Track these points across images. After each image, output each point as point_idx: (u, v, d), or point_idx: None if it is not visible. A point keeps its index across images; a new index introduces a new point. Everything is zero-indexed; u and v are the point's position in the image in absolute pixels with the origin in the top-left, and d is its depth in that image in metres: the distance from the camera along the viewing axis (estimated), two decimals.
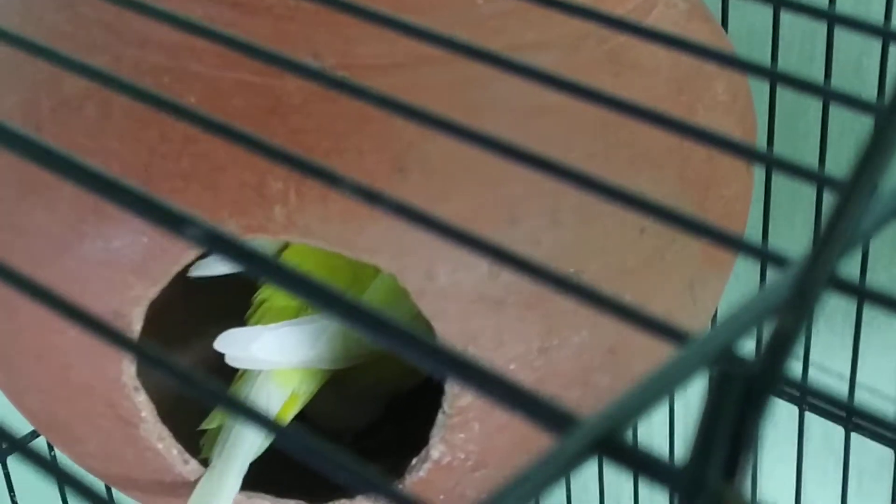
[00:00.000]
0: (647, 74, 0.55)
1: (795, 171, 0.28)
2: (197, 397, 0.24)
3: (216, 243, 0.25)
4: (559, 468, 0.20)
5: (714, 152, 0.56)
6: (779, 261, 0.24)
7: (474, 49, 0.34)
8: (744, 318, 0.22)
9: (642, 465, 0.20)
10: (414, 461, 0.56)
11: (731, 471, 0.20)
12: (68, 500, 0.83)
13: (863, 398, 0.85)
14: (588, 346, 0.53)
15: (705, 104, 0.57)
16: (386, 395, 0.71)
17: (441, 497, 0.56)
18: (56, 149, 0.26)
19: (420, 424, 0.57)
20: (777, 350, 0.20)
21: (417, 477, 0.56)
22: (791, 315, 0.20)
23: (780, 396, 0.78)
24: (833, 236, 0.20)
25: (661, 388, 0.21)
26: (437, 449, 0.55)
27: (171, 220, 0.24)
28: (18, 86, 0.54)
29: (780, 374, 0.20)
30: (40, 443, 0.76)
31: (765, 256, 0.24)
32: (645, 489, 0.96)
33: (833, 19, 0.35)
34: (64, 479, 0.24)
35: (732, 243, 0.25)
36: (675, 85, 0.56)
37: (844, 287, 0.22)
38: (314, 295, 0.24)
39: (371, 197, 0.26)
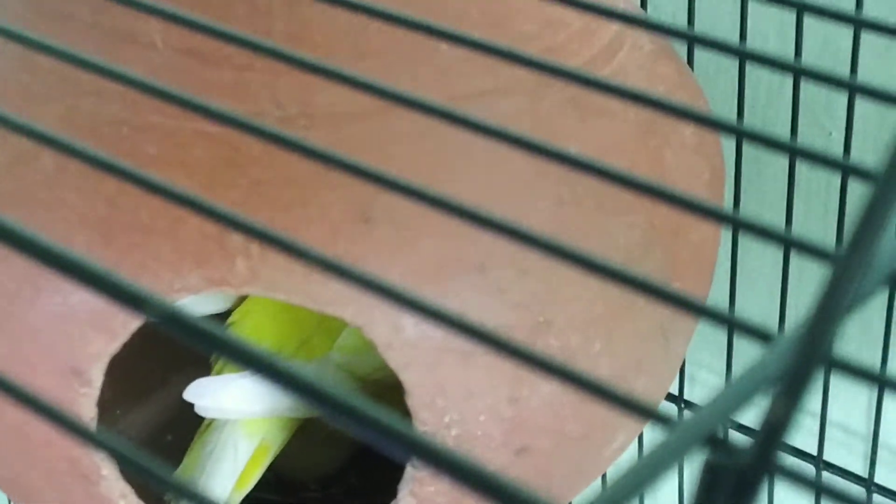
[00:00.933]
0: (614, 119, 0.54)
1: (762, 232, 0.28)
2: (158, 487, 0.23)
3: (176, 323, 0.23)
4: None
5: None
6: (763, 335, 0.23)
7: (418, 102, 0.33)
8: (732, 400, 0.21)
9: None
10: None
11: None
12: None
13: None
14: (558, 394, 0.52)
15: (673, 147, 0.56)
16: (351, 440, 0.70)
17: None
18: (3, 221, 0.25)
19: (388, 471, 0.56)
20: (769, 438, 0.19)
21: None
22: (784, 401, 0.19)
23: None
24: (829, 314, 0.19)
25: (646, 476, 0.20)
26: (405, 502, 0.53)
27: (130, 299, 0.23)
28: None
29: (772, 463, 0.19)
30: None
31: (749, 331, 0.23)
32: None
33: (799, 72, 0.34)
34: None
35: (716, 317, 0.24)
36: (643, 128, 0.55)
37: (840, 366, 0.21)
38: (276, 376, 0.23)
39: (338, 270, 0.25)
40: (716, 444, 0.21)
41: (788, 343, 0.22)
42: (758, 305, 0.80)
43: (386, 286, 0.27)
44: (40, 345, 0.51)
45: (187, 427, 0.68)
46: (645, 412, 0.24)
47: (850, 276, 0.19)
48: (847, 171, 0.29)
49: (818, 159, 0.30)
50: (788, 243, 0.28)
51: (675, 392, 0.80)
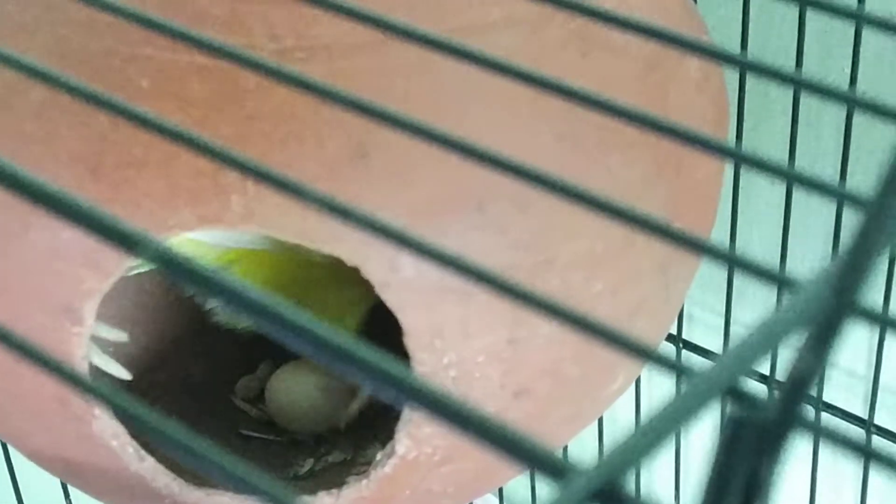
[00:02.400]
0: (616, 54, 0.53)
1: (765, 168, 0.27)
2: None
3: (169, 263, 0.23)
4: None
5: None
6: (787, 283, 0.22)
7: (416, 34, 0.32)
8: (753, 351, 0.20)
9: None
10: (379, 456, 0.54)
11: None
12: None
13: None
14: (557, 336, 0.51)
15: (677, 83, 0.55)
16: (351, 393, 0.69)
17: (407, 492, 0.55)
18: None
19: (385, 414, 0.56)
20: (795, 391, 0.18)
21: (382, 473, 0.54)
22: (812, 353, 0.18)
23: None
24: (860, 262, 0.18)
25: (664, 430, 0.19)
26: (402, 444, 0.53)
27: (123, 239, 0.22)
28: None
29: (797, 419, 0.18)
30: None
31: (777, 280, 0.22)
32: None
33: (804, 3, 0.33)
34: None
35: (717, 255, 0.23)
36: (646, 63, 0.54)
37: (867, 316, 0.20)
38: (269, 317, 0.22)
39: (339, 211, 0.24)
40: (737, 396, 0.20)
41: (813, 290, 0.21)
42: (760, 245, 0.80)
43: (382, 225, 0.26)
44: (31, 282, 0.50)
45: (180, 364, 0.68)
46: (652, 357, 0.23)
47: (883, 223, 0.18)
48: (852, 104, 0.29)
49: (822, 92, 0.29)
50: (792, 179, 0.27)
51: (674, 332, 0.79)
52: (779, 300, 0.75)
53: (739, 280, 0.78)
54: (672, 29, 0.33)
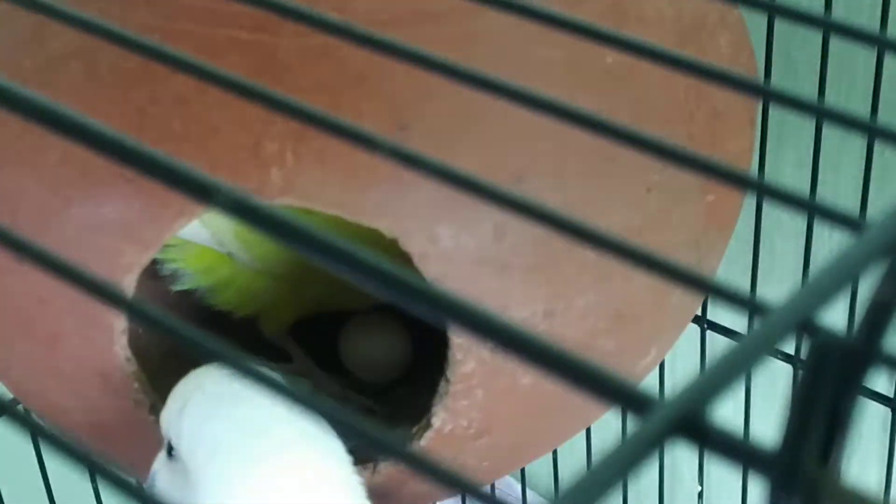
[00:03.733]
0: (651, 27, 0.53)
1: (799, 105, 0.27)
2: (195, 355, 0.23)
3: (245, 211, 0.23)
4: (639, 453, 0.18)
5: (719, 109, 0.55)
6: (852, 223, 0.22)
7: None
8: (827, 285, 0.21)
9: (730, 449, 0.19)
10: (414, 429, 0.54)
11: (827, 454, 0.19)
12: (47, 469, 0.82)
13: None
14: (594, 309, 0.52)
15: (709, 57, 0.55)
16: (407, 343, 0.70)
17: None
18: (67, 111, 0.24)
19: (422, 391, 0.56)
20: (877, 321, 0.18)
21: (418, 446, 0.54)
22: (890, 284, 0.18)
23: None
24: None
25: (741, 363, 0.20)
26: (438, 417, 0.53)
27: (199, 189, 0.23)
28: None
29: (879, 350, 0.19)
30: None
31: (836, 217, 0.22)
32: (713, 466, 0.94)
33: None
34: (53, 442, 0.23)
35: (799, 203, 0.23)
36: (679, 38, 0.54)
37: None
38: (341, 259, 0.22)
39: (410, 160, 0.24)
40: (813, 330, 0.20)
41: (881, 230, 0.21)
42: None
43: (453, 173, 0.26)
44: (73, 256, 0.50)
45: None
46: (721, 292, 0.23)
47: None
48: (882, 46, 0.29)
49: (852, 34, 0.29)
50: (822, 113, 0.27)
51: (699, 313, 0.80)
52: (804, 275, 0.75)
53: (765, 260, 0.78)
54: None
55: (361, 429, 0.21)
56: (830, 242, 0.79)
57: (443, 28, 0.49)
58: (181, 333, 0.22)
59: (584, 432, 0.79)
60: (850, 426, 0.19)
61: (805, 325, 0.20)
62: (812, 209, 0.24)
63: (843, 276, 0.21)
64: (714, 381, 0.20)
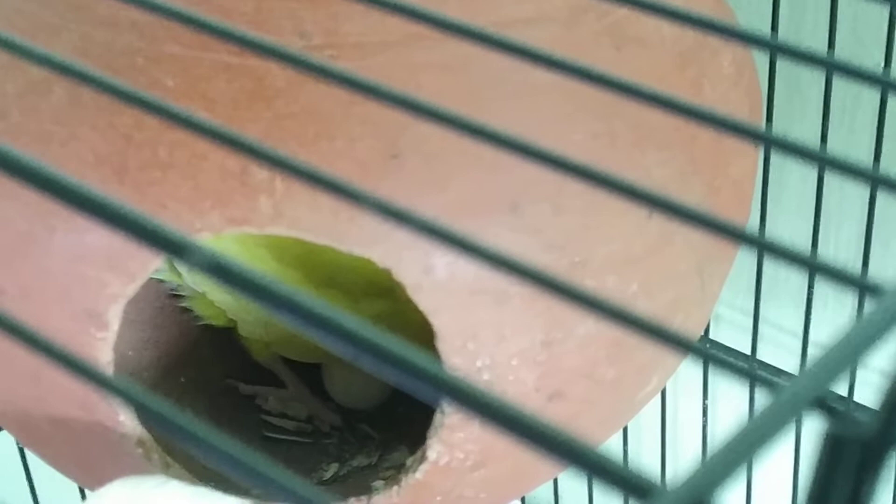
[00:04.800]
0: (651, 49, 0.52)
1: (796, 151, 0.26)
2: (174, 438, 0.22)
3: (221, 271, 0.22)
4: None
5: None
6: (869, 288, 0.21)
7: (464, 28, 0.31)
8: (839, 360, 0.19)
9: None
10: (409, 462, 0.53)
11: None
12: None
13: None
14: (593, 337, 0.50)
15: (711, 78, 0.54)
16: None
17: (438, 499, 0.54)
18: (35, 163, 0.23)
19: (416, 420, 0.55)
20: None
21: (413, 479, 0.53)
22: None
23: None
24: None
25: (751, 445, 0.18)
26: (434, 450, 0.52)
27: (173, 247, 0.21)
28: None
29: None
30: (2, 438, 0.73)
31: (859, 286, 0.21)
32: None
33: None
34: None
35: (822, 268, 0.22)
36: (680, 59, 0.53)
37: None
38: (319, 323, 0.21)
39: (399, 216, 0.23)
40: (826, 409, 0.19)
41: None
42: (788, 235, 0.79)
43: (418, 220, 0.25)
44: (55, 287, 0.49)
45: (200, 367, 0.67)
46: (733, 367, 0.22)
47: None
48: (886, 87, 0.28)
49: (855, 74, 0.28)
50: (825, 163, 0.26)
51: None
52: (809, 298, 0.74)
53: (768, 279, 0.77)
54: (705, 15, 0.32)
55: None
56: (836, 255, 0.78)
57: (435, 51, 0.47)
58: (162, 414, 0.21)
59: None
60: None
61: (822, 404, 0.19)
62: (812, 267, 0.23)
63: (862, 346, 0.20)
64: (721, 465, 0.18)
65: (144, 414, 0.21)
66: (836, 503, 0.17)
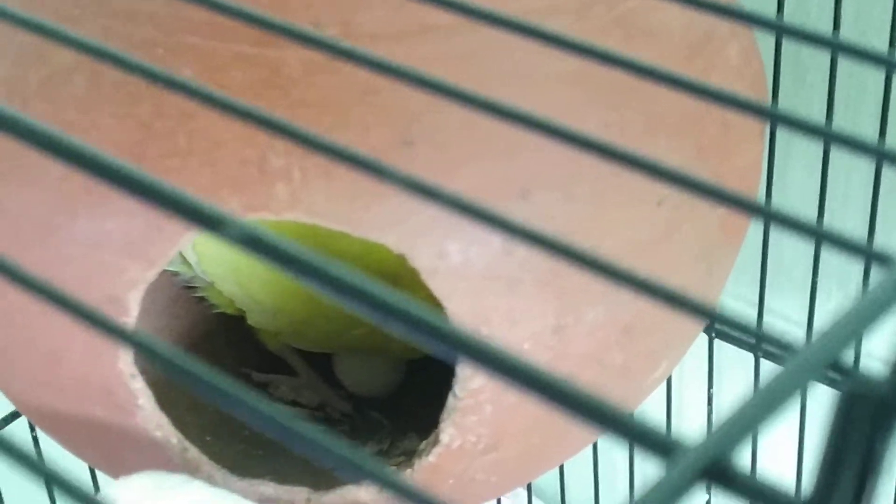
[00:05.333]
0: (659, 40, 0.53)
1: (800, 126, 0.26)
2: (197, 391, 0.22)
3: (255, 244, 0.22)
4: (667, 498, 0.18)
5: (729, 120, 0.54)
6: (877, 257, 0.22)
7: (484, 13, 0.32)
8: (851, 326, 0.20)
9: (760, 495, 0.18)
10: (422, 445, 0.54)
11: (859, 501, 0.18)
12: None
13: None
14: (603, 323, 0.51)
15: (718, 69, 0.54)
16: (402, 358, 0.70)
17: (451, 482, 0.54)
18: (72, 140, 0.24)
19: (429, 405, 0.55)
20: None
21: (426, 462, 0.53)
22: None
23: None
24: None
25: (769, 406, 0.19)
26: (446, 433, 0.52)
27: (207, 220, 0.22)
28: (3, 59, 0.51)
29: None
30: (16, 426, 0.74)
31: (867, 254, 0.21)
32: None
33: None
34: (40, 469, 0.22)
35: (835, 240, 0.23)
36: (688, 50, 0.53)
37: None
38: (353, 294, 0.21)
39: (426, 191, 0.24)
40: (841, 371, 0.19)
41: None
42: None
43: (442, 194, 0.25)
44: (76, 273, 0.50)
45: (214, 355, 0.68)
46: (742, 327, 0.23)
47: None
48: (891, 67, 0.28)
49: (859, 54, 0.29)
50: (830, 138, 0.26)
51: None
52: (813, 288, 0.74)
53: (773, 270, 0.77)
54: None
55: (347, 458, 0.20)
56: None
57: (449, 42, 0.48)
58: (181, 366, 0.21)
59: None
60: (881, 472, 0.18)
61: (835, 366, 0.20)
62: (820, 236, 0.23)
63: (874, 313, 0.20)
64: (737, 426, 0.19)
65: (164, 365, 0.22)
66: (850, 461, 0.18)
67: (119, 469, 0.57)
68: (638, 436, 0.19)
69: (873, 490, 0.18)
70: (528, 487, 0.94)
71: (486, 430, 0.52)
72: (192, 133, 0.48)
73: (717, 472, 0.18)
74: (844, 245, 0.23)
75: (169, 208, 0.23)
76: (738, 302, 0.84)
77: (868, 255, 0.23)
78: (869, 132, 0.73)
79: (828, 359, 0.20)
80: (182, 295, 0.67)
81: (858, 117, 0.76)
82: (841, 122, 0.73)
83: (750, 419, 0.19)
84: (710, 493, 0.91)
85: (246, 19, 0.32)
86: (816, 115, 0.71)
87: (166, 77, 0.29)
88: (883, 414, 0.18)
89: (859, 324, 0.20)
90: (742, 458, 0.85)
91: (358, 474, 0.19)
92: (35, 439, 0.78)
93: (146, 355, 0.23)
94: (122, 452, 0.55)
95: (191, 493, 0.50)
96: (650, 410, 0.90)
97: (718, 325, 0.80)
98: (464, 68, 0.48)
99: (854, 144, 0.26)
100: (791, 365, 0.20)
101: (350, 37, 0.48)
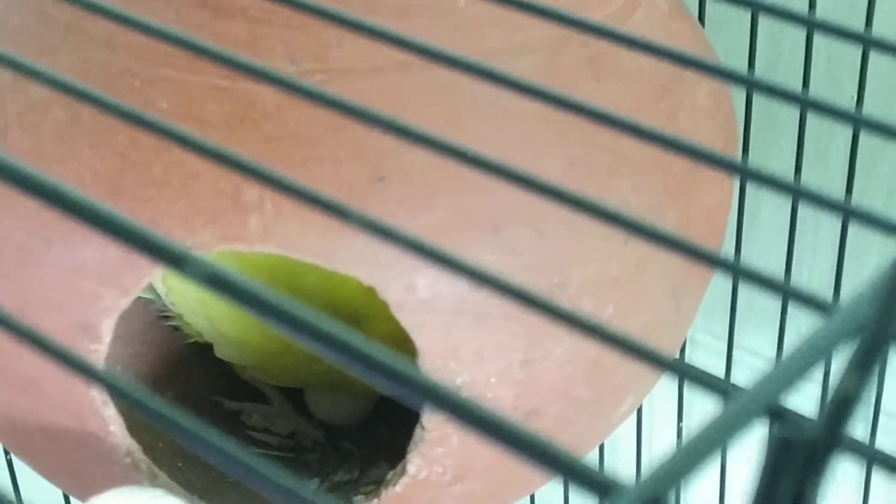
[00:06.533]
0: (629, 79, 0.53)
1: (770, 183, 0.27)
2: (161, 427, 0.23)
3: (217, 282, 0.23)
4: None
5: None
6: (821, 305, 0.22)
7: (449, 57, 0.32)
8: (793, 371, 0.21)
9: None
10: (389, 476, 0.54)
11: None
12: None
13: None
14: (570, 358, 0.52)
15: (687, 110, 0.55)
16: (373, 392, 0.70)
17: None
18: (42, 178, 0.24)
19: (397, 435, 0.56)
20: (839, 412, 0.18)
21: (393, 492, 0.54)
22: (855, 374, 0.18)
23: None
24: None
25: (708, 447, 0.20)
26: (413, 464, 0.53)
27: (172, 258, 0.23)
28: None
29: (842, 438, 0.19)
30: None
31: (828, 311, 0.22)
32: None
33: (812, 25, 0.33)
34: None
35: (767, 283, 0.23)
36: (658, 90, 0.54)
37: None
38: (316, 337, 0.22)
39: (385, 233, 0.24)
40: (778, 415, 0.20)
41: (849, 315, 0.21)
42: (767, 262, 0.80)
43: (403, 236, 0.26)
44: (50, 299, 0.50)
45: (187, 382, 0.68)
46: (694, 377, 0.23)
47: None
48: (858, 124, 0.29)
49: (829, 112, 0.29)
50: (798, 194, 0.27)
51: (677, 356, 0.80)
52: (782, 324, 0.75)
53: (742, 305, 0.78)
54: (683, 50, 0.33)
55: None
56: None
57: (421, 77, 0.49)
58: (153, 408, 0.22)
59: None
60: None
61: (772, 411, 0.20)
62: (786, 293, 0.24)
63: (811, 359, 0.21)
64: (676, 466, 0.19)
65: (132, 404, 0.23)
66: (781, 502, 0.18)
67: (89, 493, 0.57)
68: (576, 475, 0.19)
69: None
70: None
71: (452, 462, 0.53)
72: (167, 164, 0.48)
73: None
74: (807, 300, 0.24)
75: (134, 244, 0.24)
76: (707, 336, 0.85)
77: (830, 312, 0.23)
78: (838, 175, 0.73)
79: (765, 403, 0.20)
80: (156, 323, 0.67)
81: (828, 157, 0.77)
82: (812, 164, 0.74)
83: (686, 461, 0.20)
84: None
85: (217, 59, 0.32)
86: (787, 153, 0.71)
87: (137, 116, 0.29)
88: (814, 458, 0.19)
89: (797, 370, 0.21)
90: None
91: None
92: (9, 463, 0.78)
93: (112, 393, 0.23)
94: (93, 478, 0.55)
95: None
96: (621, 445, 0.91)
97: (688, 361, 0.81)
98: (436, 103, 0.49)
99: (822, 201, 0.26)
100: (730, 409, 0.20)
101: (325, 72, 0.48)
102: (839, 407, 0.18)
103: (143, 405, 0.23)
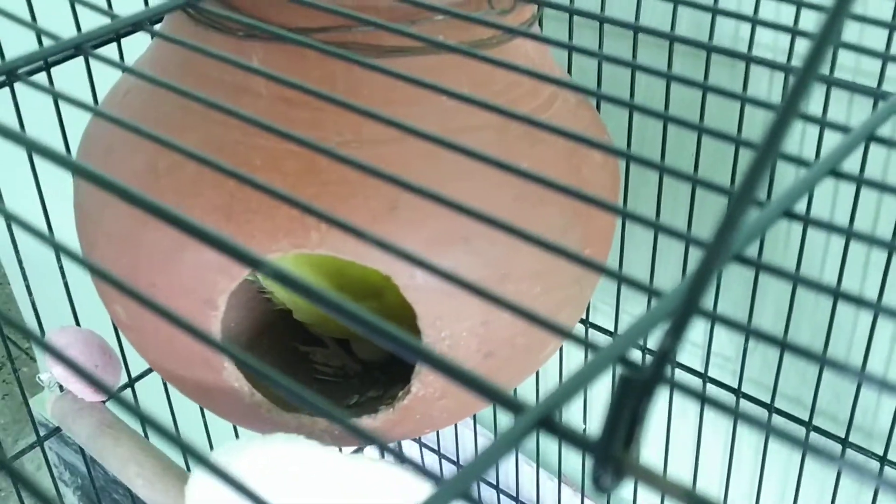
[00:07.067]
0: (550, 146, 0.53)
1: (643, 221, 0.27)
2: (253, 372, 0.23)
3: (281, 278, 0.23)
4: (513, 440, 0.19)
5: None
6: (656, 293, 0.23)
7: (431, 135, 0.32)
8: (635, 333, 0.21)
9: (570, 437, 0.19)
10: (400, 394, 0.54)
11: (629, 442, 0.19)
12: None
13: None
14: (513, 320, 0.52)
15: (588, 164, 0.55)
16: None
17: (417, 417, 0.55)
18: (171, 209, 0.24)
19: (407, 369, 0.56)
20: (661, 361, 0.19)
21: (402, 404, 0.54)
22: (670, 338, 0.18)
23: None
24: (701, 281, 0.18)
25: (580, 382, 0.20)
26: (415, 385, 0.53)
27: (252, 261, 0.23)
28: (143, 149, 0.52)
29: (663, 378, 0.19)
30: (151, 378, 0.74)
31: (649, 291, 0.22)
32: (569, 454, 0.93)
33: (666, 119, 0.33)
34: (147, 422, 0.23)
35: (611, 274, 0.23)
36: (569, 152, 0.54)
37: (703, 314, 0.20)
38: (343, 312, 0.22)
39: (413, 260, 0.24)
40: (626, 363, 0.20)
41: (673, 295, 0.21)
42: (637, 266, 0.80)
43: (402, 251, 0.26)
44: (185, 285, 0.50)
45: (275, 334, 0.68)
46: (570, 336, 0.23)
47: (717, 256, 0.19)
48: (694, 184, 0.29)
49: (681, 176, 0.29)
50: (658, 228, 0.27)
51: (584, 317, 0.80)
52: (649, 302, 0.74)
53: (626, 287, 0.78)
54: (584, 132, 0.33)
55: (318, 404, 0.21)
56: (665, 280, 0.79)
57: (418, 145, 0.48)
58: (252, 364, 0.22)
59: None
60: (643, 428, 0.19)
61: (622, 359, 0.20)
62: (650, 292, 0.24)
63: (647, 326, 0.21)
64: (563, 392, 0.20)
65: (240, 365, 0.23)
66: (623, 420, 0.19)
67: (212, 404, 0.57)
68: (498, 399, 0.19)
69: (640, 436, 0.19)
70: (474, 418, 0.95)
71: (440, 384, 0.53)
72: (260, 199, 0.48)
73: (548, 422, 0.19)
74: (639, 287, 0.24)
75: (228, 252, 0.24)
76: (603, 304, 0.84)
77: (650, 292, 0.23)
78: (684, 211, 0.73)
79: (617, 355, 0.20)
80: (255, 296, 0.67)
81: (678, 198, 0.76)
82: (667, 204, 0.74)
83: (568, 390, 0.20)
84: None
85: (289, 137, 0.32)
86: (651, 194, 0.71)
87: (236, 173, 0.29)
88: (646, 390, 0.19)
89: (637, 333, 0.21)
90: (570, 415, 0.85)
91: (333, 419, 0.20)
92: (165, 384, 0.78)
93: (222, 353, 0.23)
94: (214, 395, 0.55)
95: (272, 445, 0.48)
96: (548, 371, 0.90)
97: (591, 321, 0.81)
98: (428, 162, 0.49)
99: (673, 234, 0.26)
100: (599, 355, 0.20)
101: (359, 140, 0.48)
102: (661, 357, 0.19)
103: (234, 356, 0.23)
